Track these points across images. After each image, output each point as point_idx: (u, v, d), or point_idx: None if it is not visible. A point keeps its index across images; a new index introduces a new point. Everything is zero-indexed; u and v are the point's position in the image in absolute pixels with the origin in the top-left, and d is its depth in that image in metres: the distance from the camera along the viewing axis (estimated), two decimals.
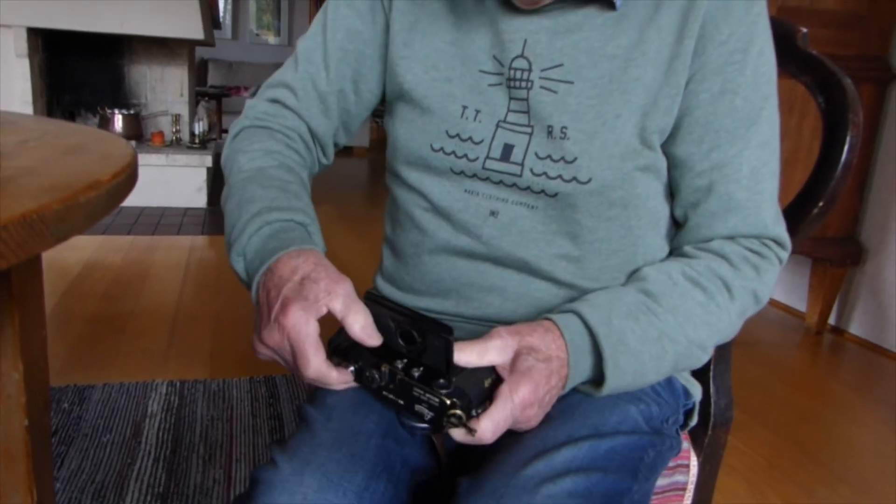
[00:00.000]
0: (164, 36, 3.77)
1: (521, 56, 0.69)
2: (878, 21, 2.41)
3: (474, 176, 0.71)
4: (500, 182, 0.70)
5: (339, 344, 0.65)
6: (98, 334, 2.19)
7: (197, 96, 4.55)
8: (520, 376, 0.60)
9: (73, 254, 2.98)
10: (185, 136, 4.22)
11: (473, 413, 0.59)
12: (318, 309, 0.60)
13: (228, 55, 8.26)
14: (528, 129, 0.69)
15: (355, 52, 0.79)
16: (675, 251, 0.75)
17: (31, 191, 0.44)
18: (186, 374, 1.93)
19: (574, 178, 0.67)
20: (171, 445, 1.57)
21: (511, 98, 0.70)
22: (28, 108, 3.60)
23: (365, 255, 3.26)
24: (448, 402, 0.58)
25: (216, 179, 4.42)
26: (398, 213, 0.79)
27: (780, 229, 0.72)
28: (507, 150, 0.69)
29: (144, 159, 3.81)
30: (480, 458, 0.64)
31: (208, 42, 3.94)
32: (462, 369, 0.61)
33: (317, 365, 0.60)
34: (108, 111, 3.95)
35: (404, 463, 0.66)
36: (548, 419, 0.64)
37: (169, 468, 1.49)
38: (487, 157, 0.70)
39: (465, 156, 0.71)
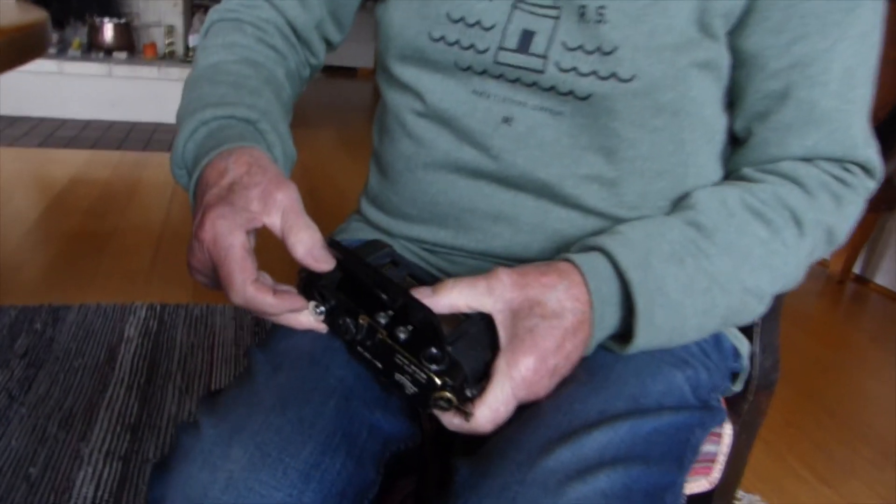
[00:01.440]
0: None
1: None
2: None
3: (484, 72, 0.56)
4: (516, 80, 0.55)
5: (305, 275, 0.51)
6: (78, 252, 2.06)
7: (193, 7, 4.29)
8: (519, 343, 0.46)
9: (58, 168, 2.82)
10: (180, 50, 3.99)
11: (469, 394, 0.45)
12: (248, 218, 0.48)
13: None
14: (555, 11, 0.53)
15: None
16: (731, 174, 0.59)
17: None
18: (168, 298, 1.80)
19: (613, 75, 0.52)
20: (146, 373, 1.46)
21: None
22: None
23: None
24: (438, 381, 0.45)
25: None
26: (388, 119, 0.64)
27: (871, 151, 0.56)
28: (527, 37, 0.54)
29: (135, 72, 3.61)
30: None
31: None
32: (463, 333, 0.46)
33: (240, 285, 0.46)
34: (98, 20, 3.72)
35: (373, 430, 0.51)
36: (572, 381, 0.50)
37: (142, 397, 1.37)
38: (500, 47, 0.55)
39: (473, 46, 0.55)
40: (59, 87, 3.55)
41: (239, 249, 0.47)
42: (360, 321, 0.48)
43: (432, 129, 0.60)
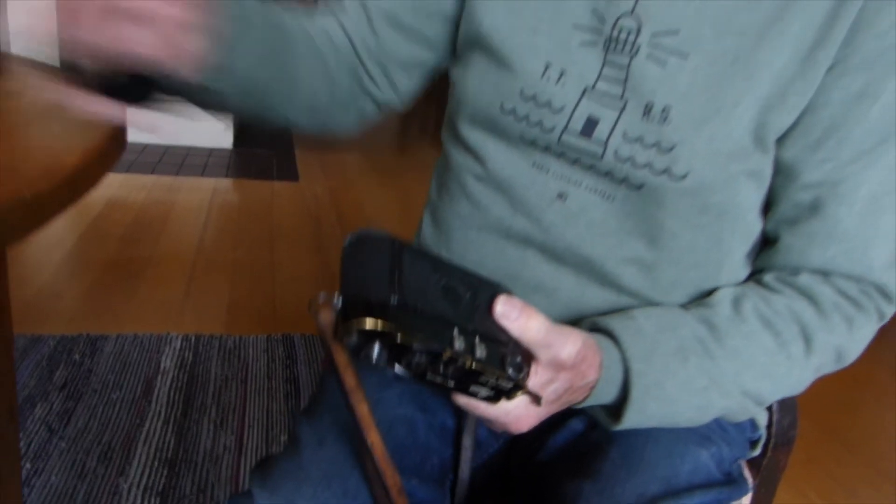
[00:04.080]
0: None
1: (631, 14, 0.56)
2: None
3: (547, 149, 0.59)
4: (576, 161, 0.59)
5: (363, 353, 0.45)
6: (114, 279, 2.13)
7: None
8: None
9: (95, 191, 2.91)
10: None
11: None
12: None
13: None
14: (621, 103, 0.57)
15: None
16: (755, 275, 0.63)
17: None
18: (202, 328, 1.87)
19: (666, 171, 0.55)
20: (182, 406, 1.51)
21: (606, 63, 0.57)
22: None
23: (394, 209, 3.16)
24: (522, 383, 0.47)
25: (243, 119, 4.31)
26: (448, 177, 0.68)
27: (890, 276, 0.58)
28: (591, 124, 0.57)
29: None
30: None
31: None
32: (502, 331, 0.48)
33: None
34: None
35: (409, 498, 0.56)
36: (606, 460, 0.54)
37: (179, 431, 1.43)
38: (566, 129, 0.58)
39: (540, 123, 0.59)
40: None
41: None
42: (444, 356, 0.45)
43: (489, 194, 0.63)
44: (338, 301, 0.44)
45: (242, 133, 4.14)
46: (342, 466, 0.54)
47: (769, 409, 0.76)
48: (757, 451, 0.73)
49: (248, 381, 1.64)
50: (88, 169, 0.42)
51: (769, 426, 0.76)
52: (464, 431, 0.63)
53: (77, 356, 1.67)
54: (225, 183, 3.29)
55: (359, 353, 0.44)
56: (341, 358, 0.48)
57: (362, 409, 0.49)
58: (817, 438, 1.72)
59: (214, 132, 3.85)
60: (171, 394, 1.56)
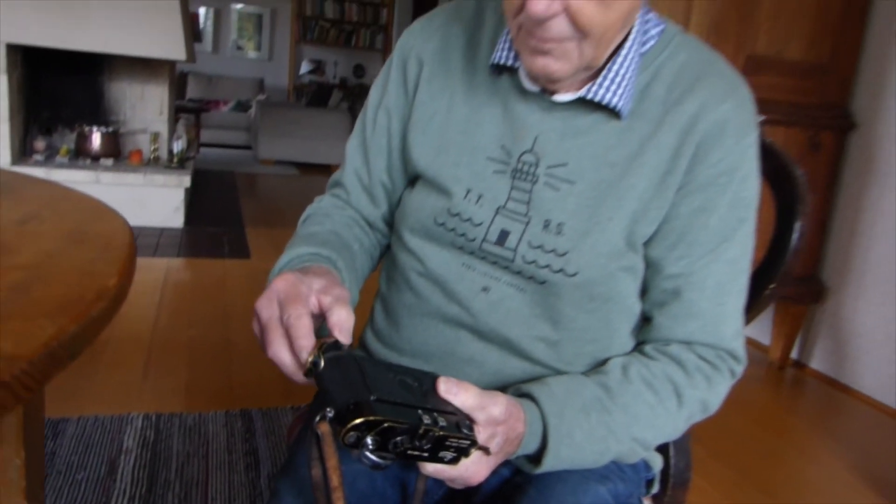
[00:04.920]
0: (147, 56, 3.78)
1: (531, 151, 0.74)
2: (838, 72, 2.52)
3: (472, 253, 0.76)
4: (494, 262, 0.75)
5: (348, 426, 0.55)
6: (73, 363, 2.18)
7: (176, 112, 4.55)
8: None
9: None
10: (164, 155, 4.21)
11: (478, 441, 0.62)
12: (309, 285, 0.64)
13: (208, 68, 8.24)
14: (526, 219, 0.74)
15: (387, 147, 0.85)
16: (637, 346, 0.80)
17: (46, 308, 0.48)
18: (162, 406, 1.94)
19: (562, 270, 0.73)
20: (146, 483, 1.59)
21: (513, 188, 0.75)
22: (4, 126, 3.57)
23: None
24: (475, 439, 0.61)
25: (193, 199, 4.42)
26: (396, 273, 0.84)
27: (737, 344, 0.77)
28: (504, 235, 0.75)
29: (122, 178, 3.80)
30: None
31: (189, 59, 3.95)
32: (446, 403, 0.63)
33: (296, 311, 0.61)
34: (87, 128, 3.93)
35: None
36: (524, 495, 0.69)
37: None
38: (484, 239, 0.75)
39: (465, 235, 0.76)
40: None
41: (304, 291, 0.63)
42: (420, 432, 0.57)
43: (429, 288, 0.79)
44: (330, 412, 0.55)
45: (193, 212, 4.24)
46: None
47: (666, 454, 0.93)
48: (655, 489, 0.89)
49: (210, 456, 1.72)
50: (123, 286, 0.56)
51: (666, 469, 0.93)
52: (416, 480, 0.77)
53: None
54: (177, 262, 3.38)
55: (357, 446, 0.55)
56: (332, 461, 0.56)
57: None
58: (741, 485, 1.88)
59: (165, 212, 3.95)
60: (136, 472, 1.63)
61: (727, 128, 0.71)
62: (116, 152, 4.00)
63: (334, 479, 0.56)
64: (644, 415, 0.72)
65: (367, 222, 0.89)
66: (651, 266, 0.76)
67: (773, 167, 0.88)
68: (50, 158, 3.88)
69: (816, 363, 2.72)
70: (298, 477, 0.73)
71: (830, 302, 2.66)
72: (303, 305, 0.61)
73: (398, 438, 0.57)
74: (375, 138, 0.85)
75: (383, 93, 0.84)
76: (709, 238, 0.73)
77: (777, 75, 2.44)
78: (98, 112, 4.16)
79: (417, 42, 0.82)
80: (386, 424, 0.55)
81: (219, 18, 8.51)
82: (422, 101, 0.80)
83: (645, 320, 0.80)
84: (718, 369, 0.76)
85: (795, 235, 0.85)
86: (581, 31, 0.63)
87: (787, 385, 2.64)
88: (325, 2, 8.68)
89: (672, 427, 0.75)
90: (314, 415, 0.56)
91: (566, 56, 0.66)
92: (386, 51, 9.02)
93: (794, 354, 2.76)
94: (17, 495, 0.58)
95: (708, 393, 0.75)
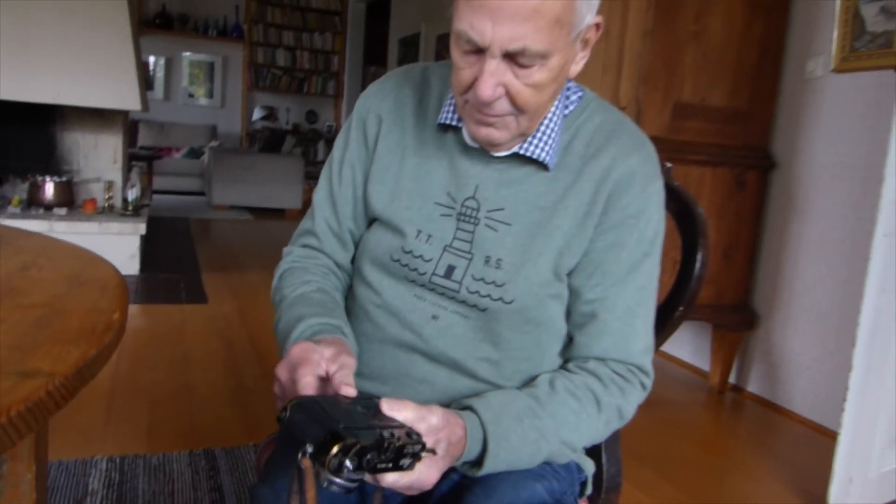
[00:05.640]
0: (101, 107, 3.84)
1: (473, 198, 0.88)
2: (757, 116, 2.76)
3: (423, 286, 0.88)
4: (442, 293, 0.87)
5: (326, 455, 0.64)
6: None
7: (130, 160, 4.59)
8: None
9: None
10: (118, 203, 4.24)
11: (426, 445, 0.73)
12: (321, 353, 0.76)
13: (160, 116, 8.28)
14: (469, 256, 0.87)
15: (352, 196, 0.96)
16: (562, 364, 0.92)
17: (68, 336, 0.58)
18: (126, 449, 1.98)
19: (500, 298, 0.85)
20: None
21: (458, 229, 0.88)
22: None
23: None
24: (426, 443, 0.72)
25: (148, 246, 4.44)
26: (355, 304, 0.95)
27: (645, 360, 0.89)
28: (450, 269, 0.87)
29: (76, 227, 3.81)
30: None
31: (143, 109, 4.02)
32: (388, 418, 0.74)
33: (305, 375, 0.74)
34: (39, 178, 3.94)
35: None
36: (470, 492, 0.80)
37: None
38: (433, 273, 0.87)
39: (416, 269, 0.88)
40: None
41: (315, 358, 0.75)
42: (386, 445, 0.67)
43: (385, 317, 0.90)
44: (309, 448, 0.64)
45: (148, 259, 4.25)
46: None
47: (599, 459, 1.05)
48: (588, 491, 1.01)
49: (175, 495, 1.76)
50: (124, 320, 0.66)
51: (599, 473, 1.05)
52: (374, 492, 0.87)
53: None
54: (135, 309, 3.39)
55: (340, 469, 0.64)
56: (311, 492, 0.67)
57: None
58: (685, 503, 2.00)
59: (121, 260, 3.96)
60: None
61: (634, 178, 0.86)
62: (70, 201, 4.01)
63: None
64: (570, 420, 0.84)
65: (338, 265, 1.00)
66: (573, 293, 0.89)
67: (679, 207, 1.03)
68: (1, 209, 3.86)
69: (753, 386, 2.89)
70: (276, 487, 0.82)
71: (762, 329, 2.86)
72: (311, 368, 0.74)
73: (369, 456, 0.66)
74: (342, 190, 0.96)
75: (345, 149, 0.97)
76: (619, 269, 0.87)
77: (703, 121, 2.66)
78: (51, 161, 4.18)
79: (374, 103, 0.95)
80: (359, 445, 0.64)
81: (170, 66, 8.59)
82: (380, 154, 0.93)
83: (568, 340, 0.92)
84: (630, 381, 0.89)
85: (698, 265, 1.00)
86: (519, 109, 0.78)
87: (727, 408, 2.81)
88: (276, 50, 8.86)
89: (594, 430, 0.87)
90: (284, 440, 0.67)
91: (506, 127, 0.81)
92: (338, 97, 9.21)
93: (732, 379, 2.93)
94: None
95: (622, 401, 0.88)
